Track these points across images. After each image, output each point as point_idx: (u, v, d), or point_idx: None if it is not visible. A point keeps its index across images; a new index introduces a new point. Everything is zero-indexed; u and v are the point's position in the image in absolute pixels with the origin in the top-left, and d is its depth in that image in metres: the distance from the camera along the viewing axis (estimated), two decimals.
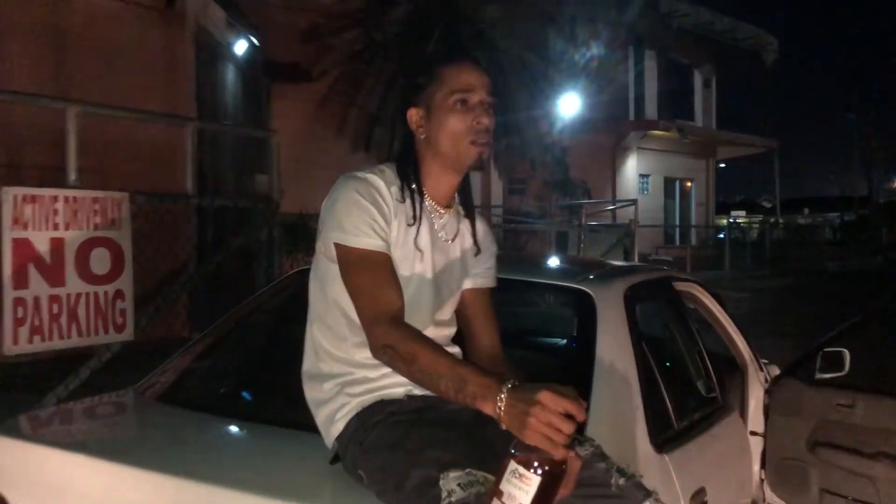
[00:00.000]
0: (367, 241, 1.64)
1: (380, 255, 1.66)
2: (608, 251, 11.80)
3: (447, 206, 1.82)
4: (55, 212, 3.27)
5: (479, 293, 1.90)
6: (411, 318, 1.68)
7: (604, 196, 20.88)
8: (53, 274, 3.27)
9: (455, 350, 1.83)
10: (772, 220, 28.20)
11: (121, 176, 3.75)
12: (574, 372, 2.12)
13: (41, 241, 3.23)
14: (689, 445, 2.22)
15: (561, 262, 3.75)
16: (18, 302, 3.16)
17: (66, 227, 3.31)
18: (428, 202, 1.78)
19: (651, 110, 23.64)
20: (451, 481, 1.42)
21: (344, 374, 1.71)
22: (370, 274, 1.64)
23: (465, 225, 1.87)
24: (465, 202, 1.87)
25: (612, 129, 21.28)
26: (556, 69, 12.90)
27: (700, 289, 3.01)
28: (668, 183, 24.64)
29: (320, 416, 1.73)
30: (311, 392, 1.76)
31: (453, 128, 1.72)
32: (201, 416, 2.12)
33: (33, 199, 3.21)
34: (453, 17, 11.62)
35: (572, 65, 13.73)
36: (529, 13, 12.04)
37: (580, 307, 2.26)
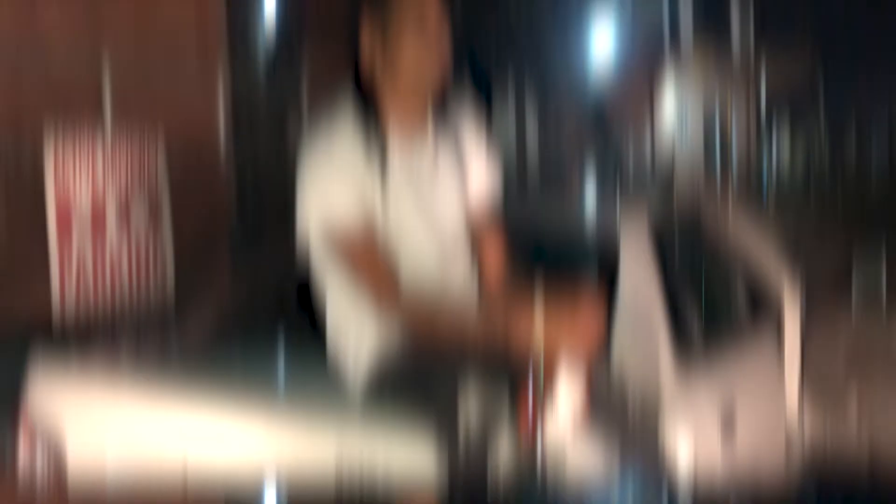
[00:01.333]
0: (349, 217, 1.61)
1: (366, 228, 1.63)
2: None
3: (421, 135, 1.73)
4: (93, 165, 3.35)
5: (480, 204, 1.85)
6: (435, 262, 1.71)
7: (641, 137, 20.47)
8: (96, 228, 3.36)
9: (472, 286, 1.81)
10: None
11: (154, 122, 3.73)
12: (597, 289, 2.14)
13: (83, 194, 3.32)
14: (716, 360, 2.23)
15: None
16: (63, 256, 3.28)
17: (104, 182, 3.40)
18: (396, 140, 1.69)
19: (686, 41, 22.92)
20: (470, 396, 1.51)
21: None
22: (362, 250, 1.62)
23: (448, 142, 1.78)
24: (438, 118, 1.76)
25: (647, 65, 20.73)
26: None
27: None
28: (708, 119, 24.00)
29: (349, 358, 1.75)
30: (336, 343, 1.77)
31: (411, 48, 1.65)
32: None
33: (73, 151, 3.30)
34: None
35: None
36: None
37: None
